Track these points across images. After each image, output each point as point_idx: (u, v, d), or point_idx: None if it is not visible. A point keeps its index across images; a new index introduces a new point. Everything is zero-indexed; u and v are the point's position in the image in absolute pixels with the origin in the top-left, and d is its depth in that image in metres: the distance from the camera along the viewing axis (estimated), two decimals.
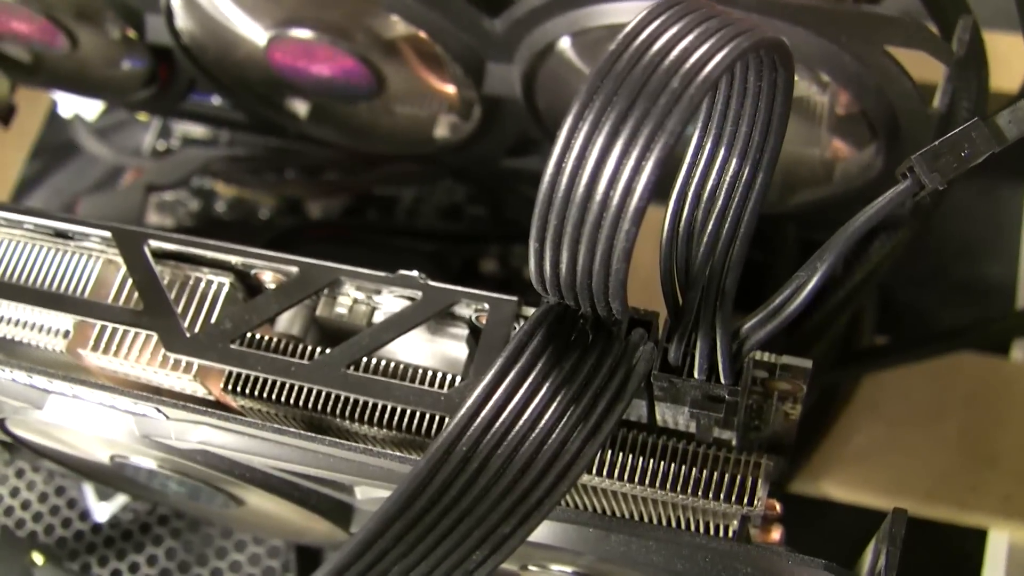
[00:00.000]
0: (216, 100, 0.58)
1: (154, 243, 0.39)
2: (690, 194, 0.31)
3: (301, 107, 0.52)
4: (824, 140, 0.47)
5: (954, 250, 0.65)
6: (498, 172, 0.53)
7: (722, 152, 0.31)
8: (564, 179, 0.27)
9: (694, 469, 0.35)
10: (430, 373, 0.37)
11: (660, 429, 0.37)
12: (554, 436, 0.28)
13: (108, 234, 0.39)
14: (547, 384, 0.29)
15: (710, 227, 0.31)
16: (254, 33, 0.48)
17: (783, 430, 0.37)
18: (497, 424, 0.28)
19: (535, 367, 0.29)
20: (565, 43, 0.44)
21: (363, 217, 0.64)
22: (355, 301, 0.39)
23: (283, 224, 0.64)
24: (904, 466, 0.59)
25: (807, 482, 0.59)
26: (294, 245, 0.61)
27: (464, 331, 0.38)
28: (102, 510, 0.54)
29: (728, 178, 0.31)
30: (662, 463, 0.35)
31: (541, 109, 0.47)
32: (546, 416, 0.29)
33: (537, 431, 0.28)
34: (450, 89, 0.50)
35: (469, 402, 0.28)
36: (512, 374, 0.29)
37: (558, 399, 0.29)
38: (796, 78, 0.44)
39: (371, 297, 0.39)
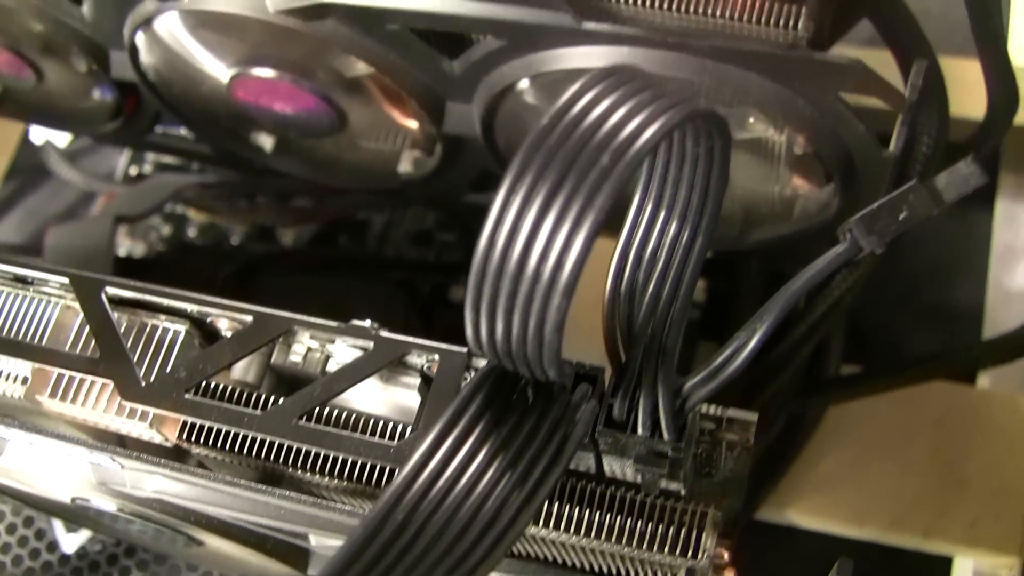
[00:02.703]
0: (184, 131, 0.58)
1: (111, 290, 0.39)
2: (631, 255, 0.32)
3: (267, 140, 0.53)
4: (783, 177, 0.47)
5: (923, 273, 0.65)
6: (462, 206, 0.53)
7: (662, 215, 0.31)
8: (496, 253, 0.27)
9: (640, 521, 0.35)
10: (381, 423, 0.37)
11: (609, 479, 0.37)
12: (490, 503, 0.29)
13: (66, 280, 0.40)
14: (484, 450, 0.29)
15: (651, 288, 0.32)
16: (217, 70, 0.49)
17: (735, 474, 0.38)
18: (434, 492, 0.29)
19: (473, 433, 0.30)
20: (523, 84, 0.44)
21: (334, 242, 0.64)
22: (309, 349, 0.39)
23: (255, 250, 0.64)
24: (871, 492, 0.59)
25: (774, 509, 0.59)
26: (264, 273, 0.61)
27: (417, 379, 0.39)
28: (70, 541, 0.55)
29: (668, 240, 0.31)
30: (608, 515, 0.36)
31: (501, 147, 0.48)
32: (482, 483, 0.29)
33: (473, 498, 0.29)
34: (413, 124, 0.50)
35: (406, 469, 0.29)
36: (450, 441, 0.29)
37: (494, 466, 0.29)
38: (752, 120, 0.44)
39: (325, 345, 0.39)
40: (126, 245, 0.65)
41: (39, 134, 0.65)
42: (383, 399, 0.39)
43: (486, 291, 0.27)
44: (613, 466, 0.36)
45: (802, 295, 0.32)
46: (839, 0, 0.42)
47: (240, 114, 0.51)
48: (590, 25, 0.40)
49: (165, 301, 0.39)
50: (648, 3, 0.41)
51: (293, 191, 0.62)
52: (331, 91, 0.47)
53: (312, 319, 0.38)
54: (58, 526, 0.56)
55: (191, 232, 0.66)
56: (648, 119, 0.26)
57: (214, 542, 0.43)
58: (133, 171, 0.67)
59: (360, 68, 0.46)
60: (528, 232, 0.26)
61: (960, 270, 0.65)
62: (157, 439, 0.40)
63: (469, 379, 0.31)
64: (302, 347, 0.39)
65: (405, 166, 0.51)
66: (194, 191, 0.61)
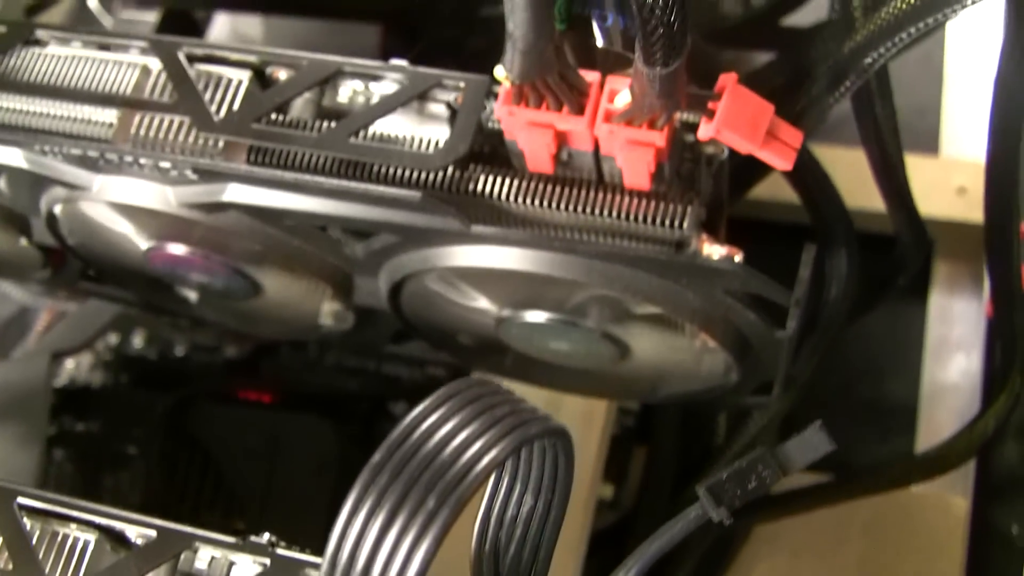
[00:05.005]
0: None
1: (24, 500, 0.41)
2: (493, 518, 0.33)
3: (191, 293, 0.54)
4: (691, 333, 0.48)
5: (858, 370, 0.66)
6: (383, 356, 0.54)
7: (518, 488, 0.32)
8: (339, 571, 0.28)
9: None
10: None
11: None
12: None
13: None
14: None
15: (511, 550, 0.33)
16: (135, 239, 0.49)
17: None
18: None
19: None
20: (423, 271, 0.45)
21: (276, 352, 0.65)
22: (213, 558, 0.41)
23: (199, 360, 0.66)
24: None
25: None
26: (203, 402, 0.63)
27: None
28: None
29: (525, 511, 0.32)
30: None
31: (408, 317, 0.49)
32: None
33: None
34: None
35: None
36: None
37: None
38: (651, 307, 0.45)
39: (227, 555, 0.40)
40: (74, 356, 0.67)
41: None
42: None
43: None
44: None
45: (658, 557, 0.33)
46: (734, 173, 0.43)
47: (161, 275, 0.52)
48: (479, 228, 0.41)
49: (75, 513, 0.41)
50: (538, 202, 0.41)
51: None
52: (242, 264, 0.48)
53: (212, 535, 0.39)
54: None
55: (136, 342, 0.67)
56: (476, 456, 0.27)
57: None
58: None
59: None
60: (366, 559, 0.28)
61: (895, 364, 0.66)
62: None
63: None
64: (207, 554, 0.41)
65: (325, 320, 0.52)
66: (135, 313, 0.62)
